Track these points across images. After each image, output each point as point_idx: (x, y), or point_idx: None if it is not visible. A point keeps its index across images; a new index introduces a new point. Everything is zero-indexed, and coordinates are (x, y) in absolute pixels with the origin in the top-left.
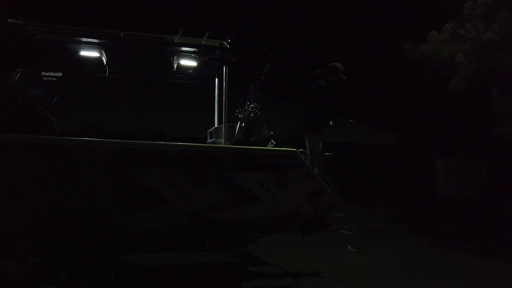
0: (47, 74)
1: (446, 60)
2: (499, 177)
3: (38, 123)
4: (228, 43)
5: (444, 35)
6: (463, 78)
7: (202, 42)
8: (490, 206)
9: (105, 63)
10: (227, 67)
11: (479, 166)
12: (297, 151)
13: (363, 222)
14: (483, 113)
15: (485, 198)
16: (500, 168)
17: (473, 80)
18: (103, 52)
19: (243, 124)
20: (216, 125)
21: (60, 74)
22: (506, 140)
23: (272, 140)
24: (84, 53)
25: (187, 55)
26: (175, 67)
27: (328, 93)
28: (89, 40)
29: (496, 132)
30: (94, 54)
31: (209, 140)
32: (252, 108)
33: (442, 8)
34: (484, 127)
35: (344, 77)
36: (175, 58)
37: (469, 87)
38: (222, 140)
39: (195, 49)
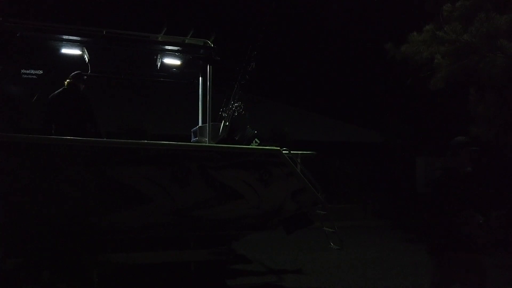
0: (27, 72)
1: (426, 61)
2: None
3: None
4: (212, 42)
5: (424, 36)
6: (442, 79)
7: (186, 41)
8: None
9: (87, 61)
10: (211, 66)
11: None
12: (281, 149)
13: (346, 219)
14: (461, 113)
15: None
16: (476, 166)
17: (451, 80)
18: (85, 50)
19: (227, 123)
20: (200, 124)
21: (41, 72)
22: (482, 139)
23: (256, 139)
24: (65, 51)
25: (171, 53)
26: (158, 66)
27: None
28: (71, 37)
29: (472, 132)
30: (76, 52)
31: (193, 139)
32: (236, 107)
33: (422, 10)
34: (461, 126)
35: None
36: (158, 57)
37: (447, 87)
38: (206, 139)
39: (179, 47)
